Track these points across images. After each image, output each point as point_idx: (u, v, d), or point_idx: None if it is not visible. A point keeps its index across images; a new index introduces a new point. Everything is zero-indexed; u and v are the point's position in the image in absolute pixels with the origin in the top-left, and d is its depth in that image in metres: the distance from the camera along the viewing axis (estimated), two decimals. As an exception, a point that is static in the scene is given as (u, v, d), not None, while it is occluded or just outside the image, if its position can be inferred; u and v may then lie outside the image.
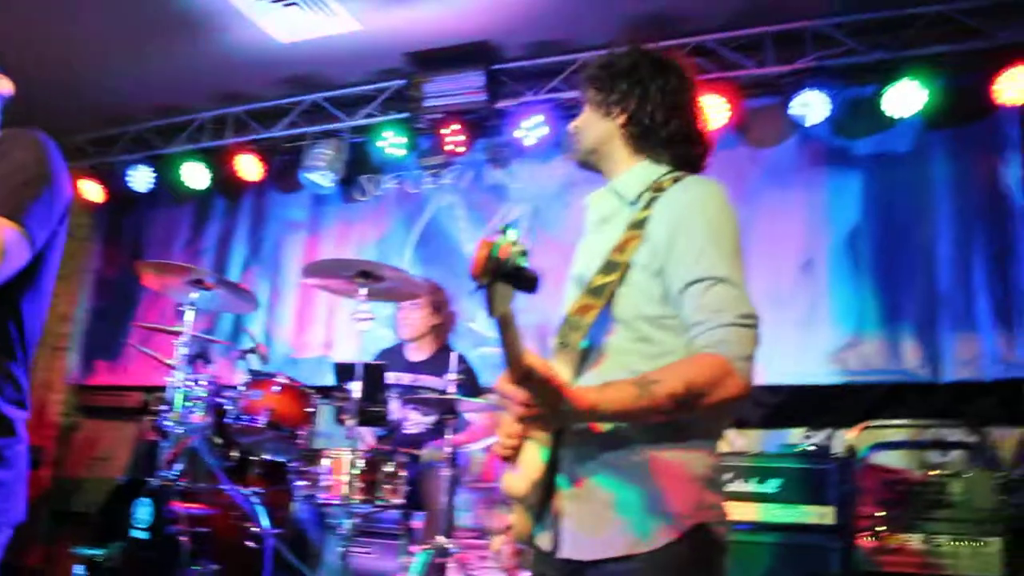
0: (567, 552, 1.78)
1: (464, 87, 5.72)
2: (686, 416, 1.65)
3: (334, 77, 6.16)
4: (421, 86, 5.80)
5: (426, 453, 4.47)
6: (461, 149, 5.86)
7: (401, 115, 6.02)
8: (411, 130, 6.03)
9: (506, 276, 1.34)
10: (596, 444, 1.76)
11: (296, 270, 6.38)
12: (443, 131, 5.82)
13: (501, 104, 5.81)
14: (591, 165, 2.07)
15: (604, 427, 1.75)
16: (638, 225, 1.83)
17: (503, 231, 1.33)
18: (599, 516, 1.74)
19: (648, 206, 1.85)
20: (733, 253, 1.76)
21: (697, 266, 1.72)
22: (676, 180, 1.89)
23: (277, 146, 6.49)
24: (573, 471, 1.80)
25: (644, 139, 1.98)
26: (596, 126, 2.03)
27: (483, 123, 5.93)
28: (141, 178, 6.74)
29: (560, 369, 1.79)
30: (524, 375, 1.48)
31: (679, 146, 1.98)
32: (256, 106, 6.49)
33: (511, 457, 1.85)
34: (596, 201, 2.04)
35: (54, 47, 5.71)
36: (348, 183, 6.36)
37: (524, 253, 1.36)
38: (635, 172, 1.97)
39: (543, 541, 1.84)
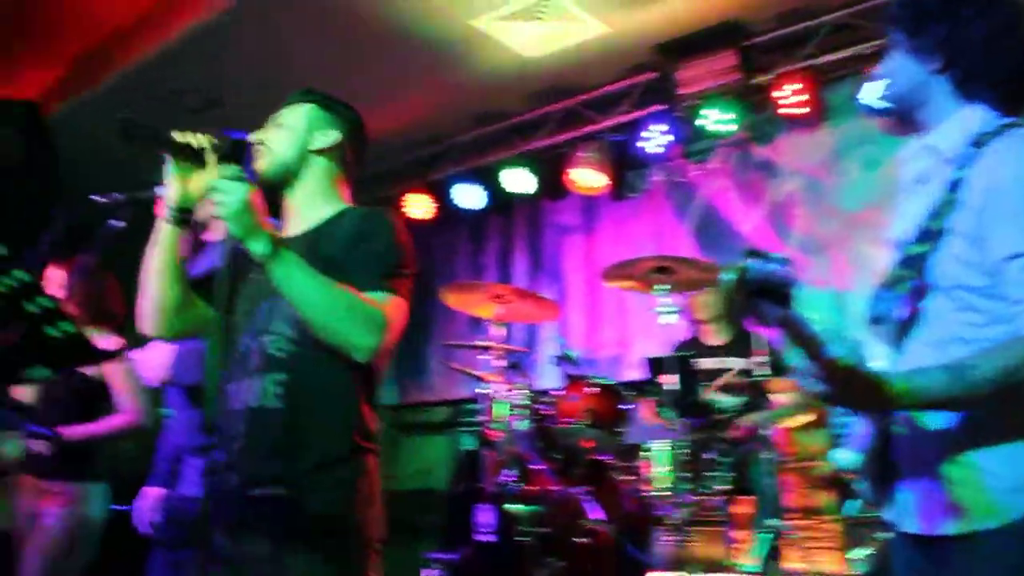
0: (909, 526, 1.72)
1: (718, 69, 5.64)
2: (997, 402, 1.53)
3: (586, 81, 6.24)
4: (674, 75, 5.78)
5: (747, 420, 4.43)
6: (724, 131, 5.76)
7: (658, 107, 6.02)
8: (671, 120, 6.01)
9: (758, 294, 1.36)
10: None
11: (577, 272, 6.53)
12: (703, 116, 5.76)
13: (757, 79, 5.68)
14: (904, 117, 1.84)
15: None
16: (954, 187, 1.65)
17: (749, 255, 1.36)
18: (940, 491, 1.64)
19: (966, 165, 1.65)
20: None
21: (1017, 237, 1.55)
22: (999, 133, 1.65)
23: (541, 156, 6.65)
24: (912, 444, 1.71)
25: (965, 85, 1.74)
26: (907, 72, 1.79)
27: (742, 101, 5.81)
28: (419, 205, 7.12)
29: (873, 345, 1.73)
30: (831, 371, 1.48)
31: (1006, 87, 1.74)
32: (515, 121, 6.69)
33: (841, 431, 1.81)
34: (911, 158, 1.84)
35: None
36: (616, 182, 6.41)
37: (777, 272, 1.37)
38: (954, 124, 1.74)
39: (888, 514, 1.78)
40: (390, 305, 1.97)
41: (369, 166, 7.19)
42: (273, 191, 2.16)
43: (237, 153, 1.99)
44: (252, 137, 2.12)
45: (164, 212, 2.05)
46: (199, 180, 2.02)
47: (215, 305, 2.10)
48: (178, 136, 2.00)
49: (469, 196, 6.88)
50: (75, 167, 5.63)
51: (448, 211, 7.08)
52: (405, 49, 5.65)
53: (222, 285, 1.94)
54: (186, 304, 2.13)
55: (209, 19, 5.22)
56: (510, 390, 4.56)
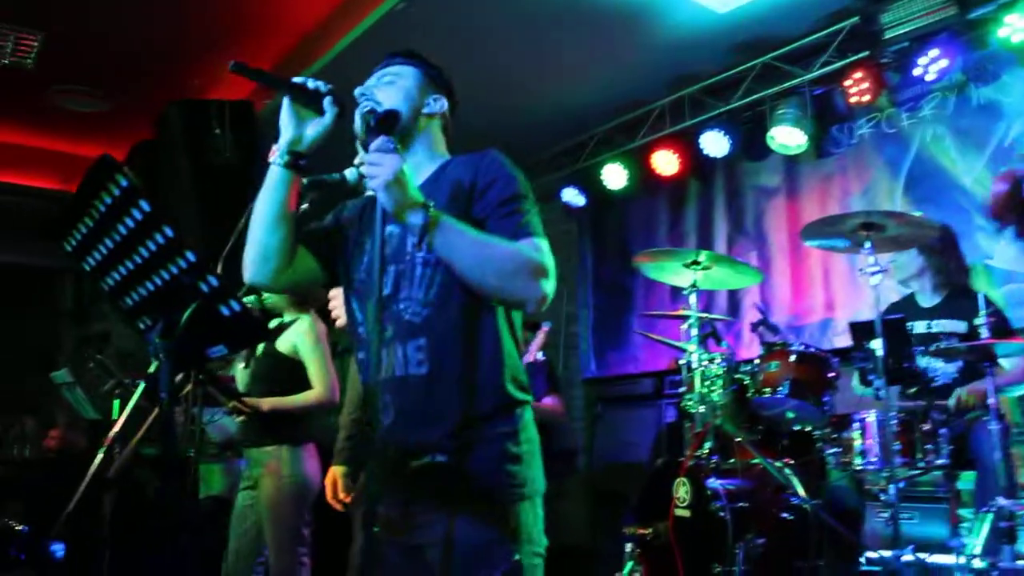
0: None
1: (928, 6, 5.15)
2: None
3: (782, 33, 5.88)
4: (878, 18, 5.32)
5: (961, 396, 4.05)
6: (938, 74, 5.27)
7: (862, 54, 5.58)
8: (877, 67, 5.56)
9: None
10: None
11: (780, 236, 6.22)
12: (914, 59, 5.29)
13: (976, 12, 5.14)
14: None
15: None
16: None
17: None
18: None
19: None
20: None
21: None
22: None
23: (739, 116, 6.36)
24: None
25: None
26: None
27: (958, 39, 5.29)
28: (614, 176, 7.03)
29: None
30: None
31: None
32: (710, 82, 6.42)
33: None
34: None
35: (521, 73, 6.14)
36: (818, 138, 6.04)
37: None
38: None
39: None
40: (543, 248, 1.91)
41: (566, 138, 7.26)
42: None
43: (388, 123, 1.97)
44: (358, 89, 2.07)
45: (276, 155, 2.02)
46: (315, 125, 2.00)
47: (356, 273, 2.11)
48: (296, 78, 1.98)
49: (667, 162, 6.71)
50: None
51: (648, 179, 6.94)
52: (594, 17, 5.54)
53: (375, 256, 1.88)
54: (293, 254, 2.08)
55: (395, 7, 5.31)
56: (711, 360, 4.41)
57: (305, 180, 2.70)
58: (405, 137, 2.08)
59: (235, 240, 3.18)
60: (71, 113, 7.09)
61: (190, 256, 1.92)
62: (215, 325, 2.03)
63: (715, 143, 6.31)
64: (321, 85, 1.98)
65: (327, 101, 1.97)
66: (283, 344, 4.07)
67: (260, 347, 4.15)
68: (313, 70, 6.08)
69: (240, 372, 4.13)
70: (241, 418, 3.88)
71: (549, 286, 1.87)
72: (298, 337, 4.05)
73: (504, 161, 2.02)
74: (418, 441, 1.93)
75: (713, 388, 4.29)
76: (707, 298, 6.38)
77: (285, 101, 2.01)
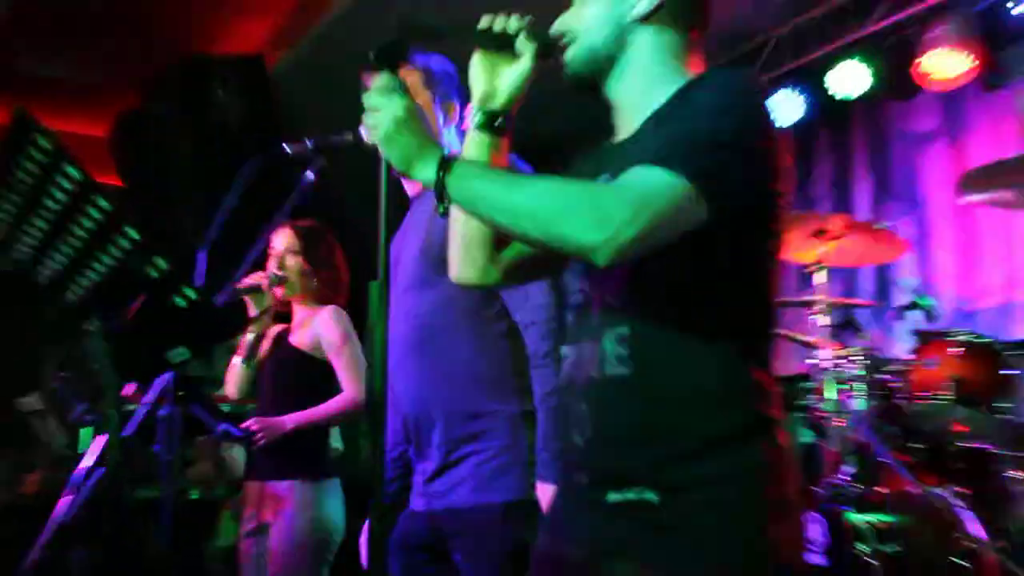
0: None
1: None
2: None
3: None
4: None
5: None
6: None
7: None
8: None
9: None
10: None
11: (941, 194, 5.99)
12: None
13: None
14: None
15: None
16: None
17: None
18: None
19: None
20: None
21: None
22: None
23: (879, 44, 6.12)
24: None
25: None
26: None
27: None
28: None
29: None
30: None
31: None
32: (842, 2, 6.22)
33: None
34: None
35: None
36: (985, 66, 5.73)
37: None
38: None
39: None
40: (648, 183, 1.60)
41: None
42: (592, 90, 1.97)
43: (390, 56, 1.86)
44: (552, 29, 1.95)
45: (470, 117, 1.98)
46: (510, 73, 1.94)
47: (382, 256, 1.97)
48: (484, 21, 1.92)
49: (790, 107, 6.51)
50: (294, 119, 5.93)
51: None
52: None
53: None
54: (501, 240, 2.02)
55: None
56: (846, 358, 4.24)
57: (308, 143, 2.64)
58: (613, 62, 1.92)
59: (223, 222, 3.09)
60: (45, 81, 7.18)
61: (132, 234, 1.88)
62: (170, 321, 1.97)
63: (850, 79, 6.14)
64: (513, 22, 1.92)
65: (521, 40, 1.91)
66: (302, 338, 4.01)
67: (268, 340, 4.09)
68: (331, 17, 6.08)
69: (239, 371, 4.04)
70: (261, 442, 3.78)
71: (617, 227, 1.56)
72: (323, 328, 3.98)
73: (717, 77, 1.77)
74: (619, 467, 1.76)
75: (852, 394, 4.13)
76: (846, 279, 6.17)
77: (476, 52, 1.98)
